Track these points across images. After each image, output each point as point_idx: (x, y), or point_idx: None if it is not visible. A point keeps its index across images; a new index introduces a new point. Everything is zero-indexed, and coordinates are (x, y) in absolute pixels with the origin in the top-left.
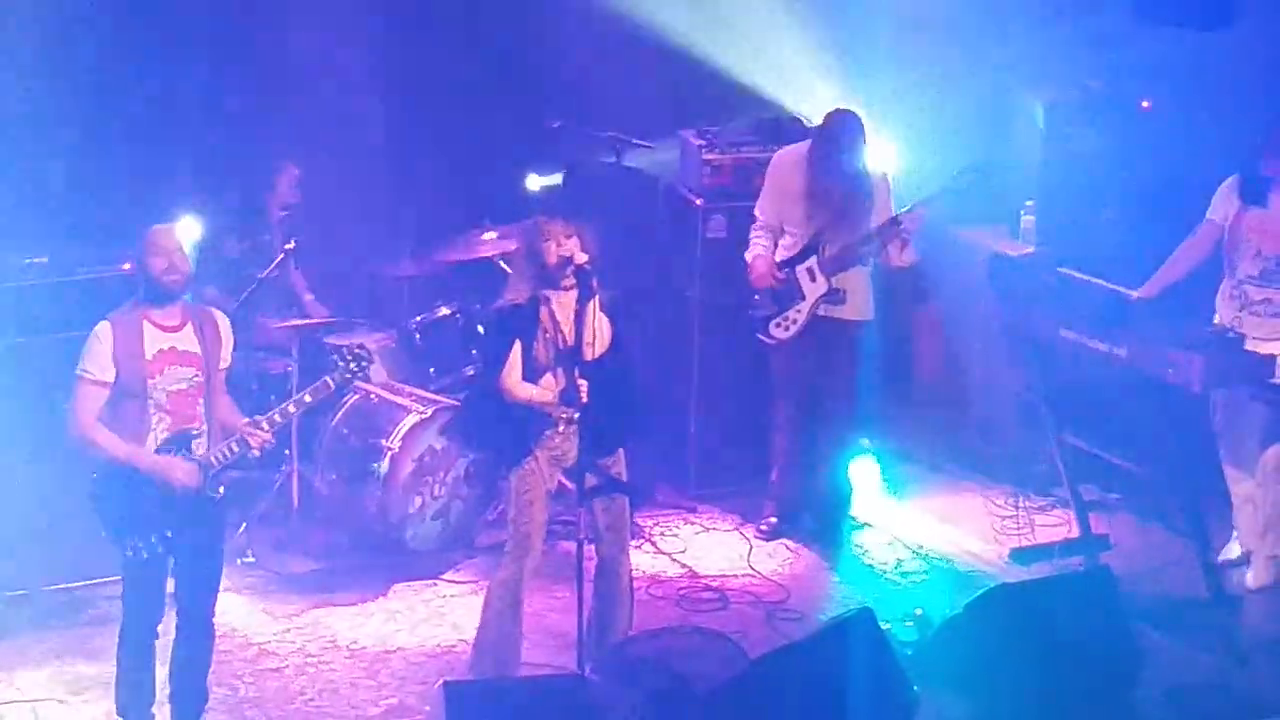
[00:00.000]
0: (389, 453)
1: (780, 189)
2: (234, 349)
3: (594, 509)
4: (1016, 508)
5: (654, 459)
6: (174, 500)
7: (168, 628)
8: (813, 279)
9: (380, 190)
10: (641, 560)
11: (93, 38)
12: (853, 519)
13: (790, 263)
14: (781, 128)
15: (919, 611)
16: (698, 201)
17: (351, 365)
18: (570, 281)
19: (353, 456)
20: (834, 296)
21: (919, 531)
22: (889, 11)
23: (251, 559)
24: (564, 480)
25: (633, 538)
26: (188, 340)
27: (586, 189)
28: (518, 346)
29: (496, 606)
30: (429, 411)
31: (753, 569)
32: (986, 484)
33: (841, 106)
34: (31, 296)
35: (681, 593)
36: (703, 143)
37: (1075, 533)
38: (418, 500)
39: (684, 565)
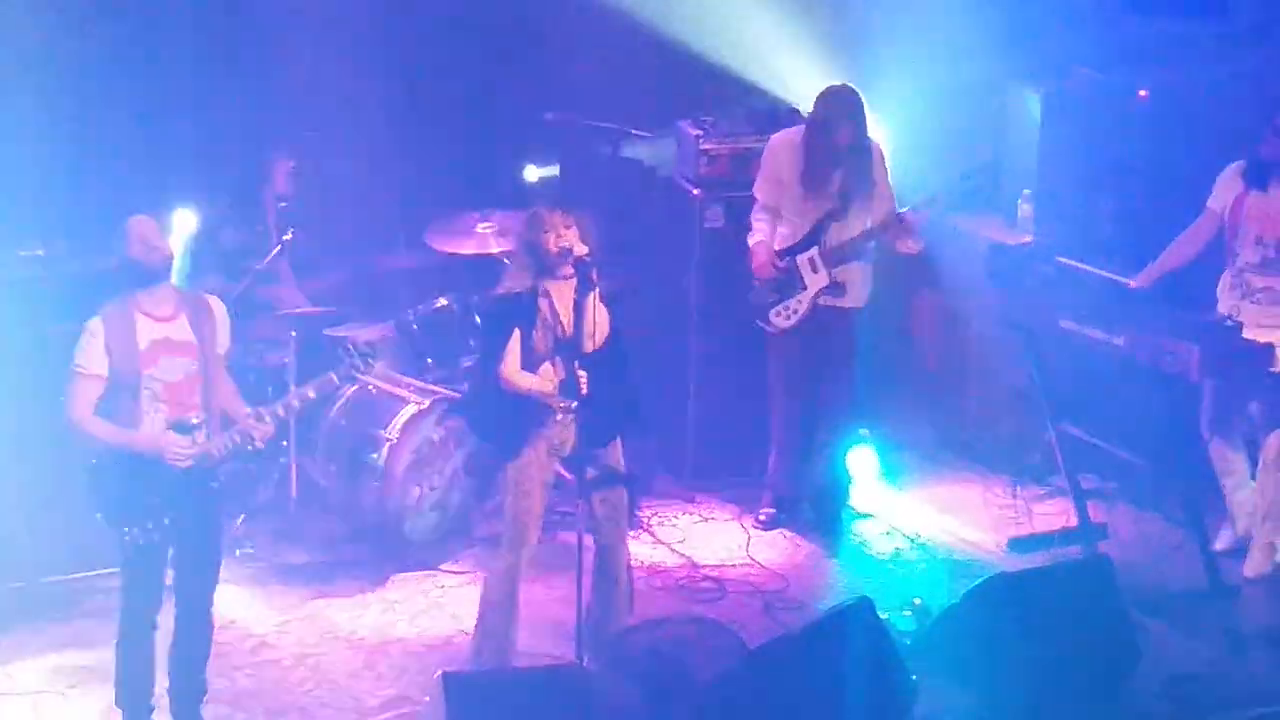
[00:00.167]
0: (387, 443)
1: (775, 175)
2: (232, 336)
3: (592, 499)
4: (1015, 497)
5: (652, 449)
6: (171, 486)
7: (166, 619)
8: (814, 270)
9: (377, 181)
10: (640, 550)
11: (89, 30)
12: (851, 508)
13: (792, 251)
14: (778, 117)
15: (917, 601)
16: (695, 192)
17: (357, 362)
18: (569, 272)
19: (351, 447)
20: (835, 289)
21: (917, 521)
22: (887, 3)
23: (250, 550)
24: (562, 470)
25: (631, 528)
26: (182, 330)
27: (584, 180)
28: (516, 336)
29: (494, 597)
30: (427, 402)
31: (751, 559)
32: (985, 473)
33: (834, 84)
34: (26, 289)
35: (680, 583)
36: (700, 132)
37: (1073, 522)
38: (416, 491)
39: (683, 555)
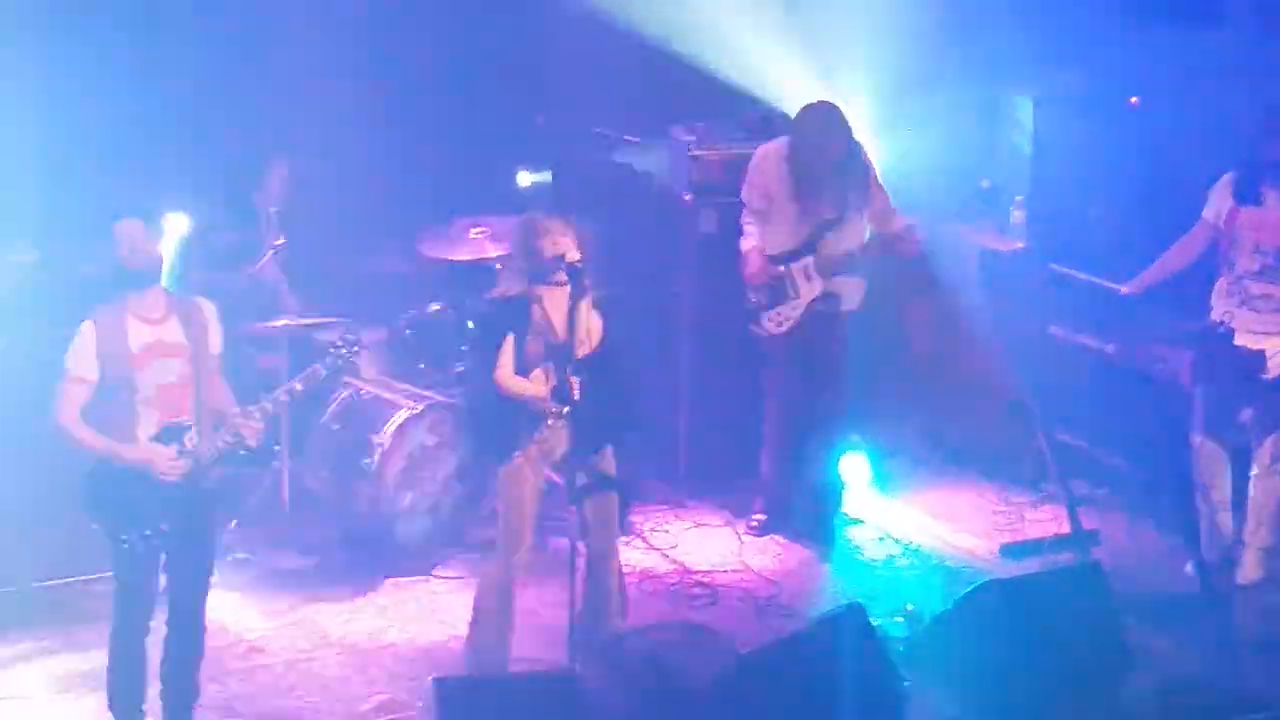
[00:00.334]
0: (380, 449)
1: (764, 188)
2: (223, 337)
3: (583, 505)
4: (1007, 503)
5: (645, 455)
6: (165, 492)
7: (158, 624)
8: (808, 278)
9: (370, 187)
10: (632, 556)
11: (85, 33)
12: (843, 514)
13: (786, 259)
14: (770, 123)
15: (910, 607)
16: (687, 197)
17: (342, 350)
18: (563, 278)
19: (344, 452)
20: (829, 299)
21: (909, 527)
22: (878, 8)
23: (242, 555)
24: (554, 476)
25: (624, 534)
26: (173, 332)
27: (576, 185)
28: (510, 340)
29: (487, 602)
30: (420, 407)
31: (744, 564)
32: (977, 480)
33: (815, 100)
34: (19, 293)
35: (672, 588)
36: (691, 138)
37: (1065, 528)
38: (408, 496)
39: (675, 561)
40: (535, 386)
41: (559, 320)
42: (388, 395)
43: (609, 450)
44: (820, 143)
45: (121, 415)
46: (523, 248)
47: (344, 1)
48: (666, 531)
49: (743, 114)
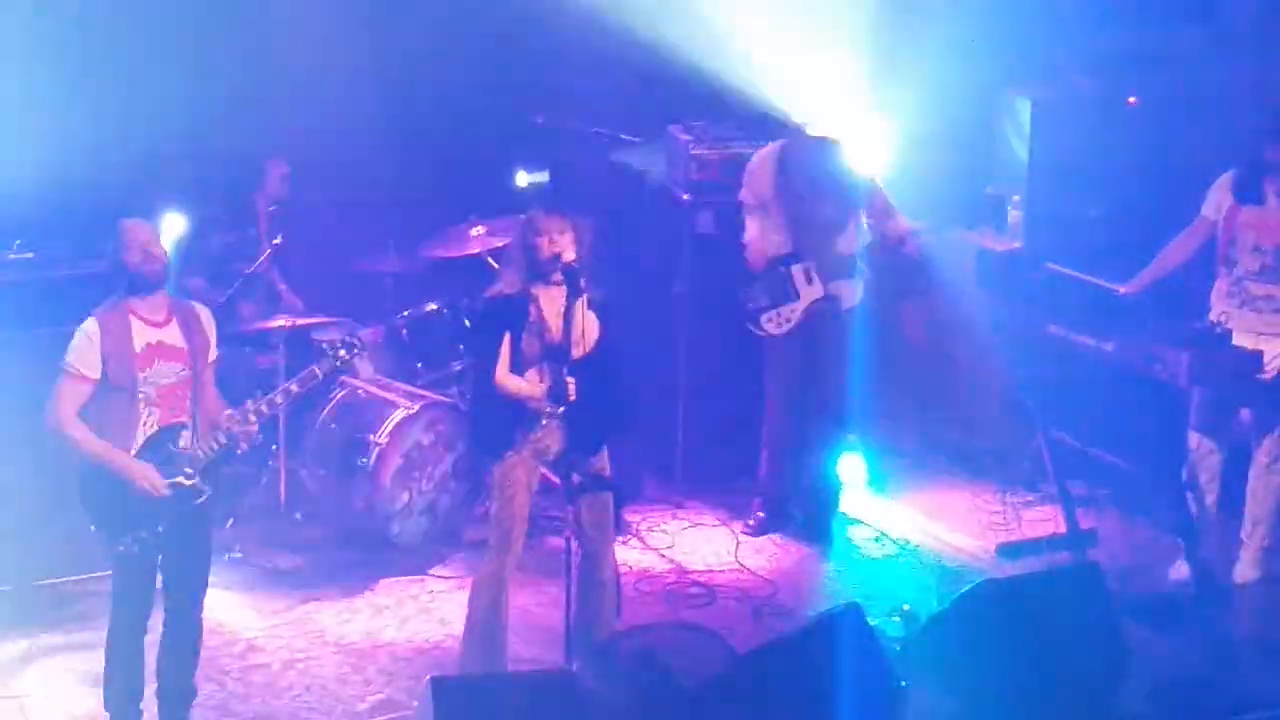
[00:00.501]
0: (376, 448)
1: (760, 195)
2: (219, 343)
3: (579, 505)
4: (1004, 503)
5: (642, 455)
6: (165, 496)
7: (155, 623)
8: (809, 281)
9: (368, 186)
10: (629, 556)
11: (82, 30)
12: (841, 514)
13: (785, 261)
14: (768, 123)
15: (906, 607)
16: (685, 197)
17: (342, 354)
18: (559, 278)
19: (340, 452)
20: (829, 302)
21: (906, 527)
22: (876, 9)
23: (239, 554)
24: (549, 475)
25: (620, 533)
26: (174, 335)
27: (574, 185)
28: (507, 339)
29: (482, 601)
30: (416, 407)
31: (740, 564)
32: (974, 479)
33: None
34: (16, 292)
35: (669, 588)
36: (689, 138)
37: (1062, 528)
38: (405, 495)
39: (671, 561)
40: (531, 386)
41: (555, 320)
42: (384, 395)
43: (604, 450)
44: (810, 183)
45: (122, 414)
46: (522, 245)
47: (343, 1)
48: (663, 531)
49: (741, 114)
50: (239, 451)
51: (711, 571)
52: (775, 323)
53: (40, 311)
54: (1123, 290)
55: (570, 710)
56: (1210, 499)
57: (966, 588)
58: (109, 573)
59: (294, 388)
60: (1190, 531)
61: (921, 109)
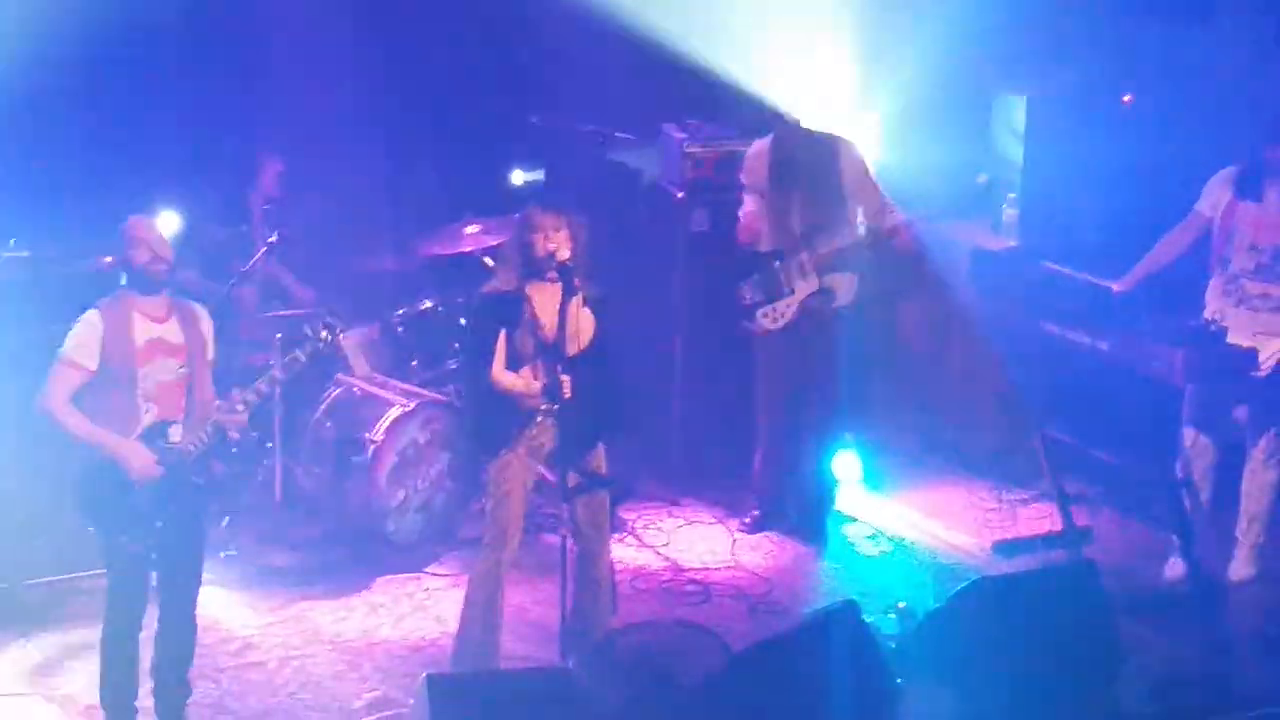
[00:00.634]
0: (372, 445)
1: (756, 187)
2: (216, 342)
3: (574, 503)
4: (999, 501)
5: (637, 453)
6: (158, 491)
7: (151, 621)
8: (803, 275)
9: (363, 184)
10: (625, 553)
11: (77, 28)
12: (836, 512)
13: (779, 255)
14: (763, 120)
15: (902, 604)
16: (680, 195)
17: (323, 334)
18: (555, 276)
19: (336, 449)
20: (824, 296)
21: (902, 524)
22: (871, 6)
23: (234, 552)
24: (544, 473)
25: (616, 531)
26: (174, 332)
27: (569, 183)
28: (502, 336)
29: (477, 599)
30: (412, 404)
31: (736, 562)
32: (969, 477)
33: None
34: (10, 291)
35: (664, 586)
36: (684, 136)
37: (1058, 526)
38: (401, 493)
39: (667, 558)
40: (526, 383)
41: (550, 317)
42: (380, 392)
43: (600, 448)
44: (788, 162)
45: (120, 408)
46: (517, 242)
47: None
48: (659, 529)
49: (736, 112)
50: (230, 440)
51: (707, 569)
52: (770, 318)
53: (34, 311)
54: (1117, 287)
55: (566, 708)
56: (1205, 496)
57: (962, 585)
58: (103, 571)
59: (278, 374)
60: (1185, 529)
61: (915, 106)
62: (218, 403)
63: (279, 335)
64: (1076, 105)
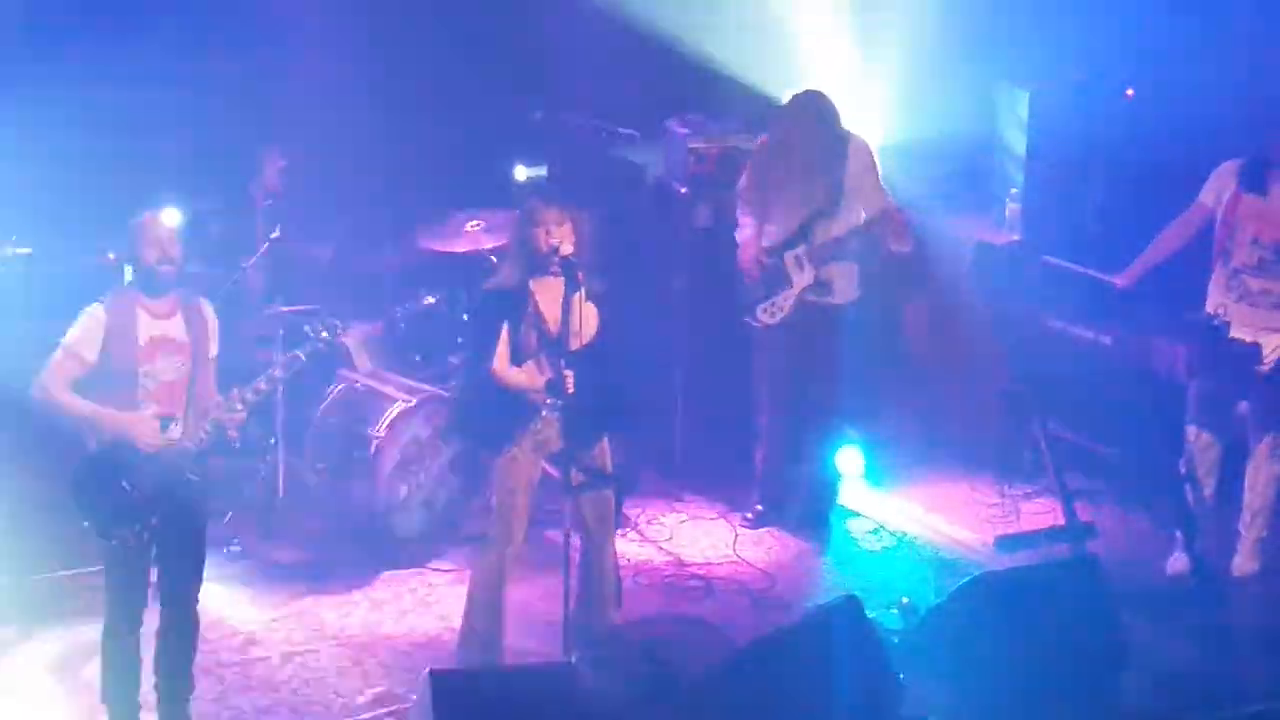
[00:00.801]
0: (375, 441)
1: (757, 178)
2: (220, 338)
3: (579, 498)
4: (1002, 496)
5: (640, 448)
6: (155, 486)
7: (153, 616)
8: (800, 267)
9: (366, 179)
10: (628, 549)
11: (80, 24)
12: (839, 507)
13: (778, 249)
14: (766, 115)
15: (905, 599)
16: (683, 190)
17: (324, 335)
18: (558, 270)
19: (339, 445)
20: (821, 288)
21: (905, 519)
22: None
23: (237, 548)
24: (549, 468)
25: (619, 527)
26: (178, 329)
27: (572, 179)
28: (505, 331)
29: (481, 594)
30: (414, 400)
31: (739, 557)
32: (972, 472)
33: (806, 89)
34: (13, 287)
35: (668, 581)
36: (687, 131)
37: (1061, 521)
38: (404, 489)
39: (670, 553)
40: (530, 378)
41: (554, 312)
42: (383, 388)
43: (605, 443)
44: (803, 128)
45: (121, 405)
46: (520, 237)
47: None
48: (662, 524)
49: (739, 106)
50: (229, 438)
51: (710, 564)
52: (769, 312)
53: (37, 307)
54: (1119, 281)
55: (569, 703)
56: (1208, 491)
57: (965, 580)
58: (103, 570)
59: (277, 373)
60: (1188, 524)
61: (920, 102)
62: (217, 400)
63: (281, 331)
64: (1079, 100)
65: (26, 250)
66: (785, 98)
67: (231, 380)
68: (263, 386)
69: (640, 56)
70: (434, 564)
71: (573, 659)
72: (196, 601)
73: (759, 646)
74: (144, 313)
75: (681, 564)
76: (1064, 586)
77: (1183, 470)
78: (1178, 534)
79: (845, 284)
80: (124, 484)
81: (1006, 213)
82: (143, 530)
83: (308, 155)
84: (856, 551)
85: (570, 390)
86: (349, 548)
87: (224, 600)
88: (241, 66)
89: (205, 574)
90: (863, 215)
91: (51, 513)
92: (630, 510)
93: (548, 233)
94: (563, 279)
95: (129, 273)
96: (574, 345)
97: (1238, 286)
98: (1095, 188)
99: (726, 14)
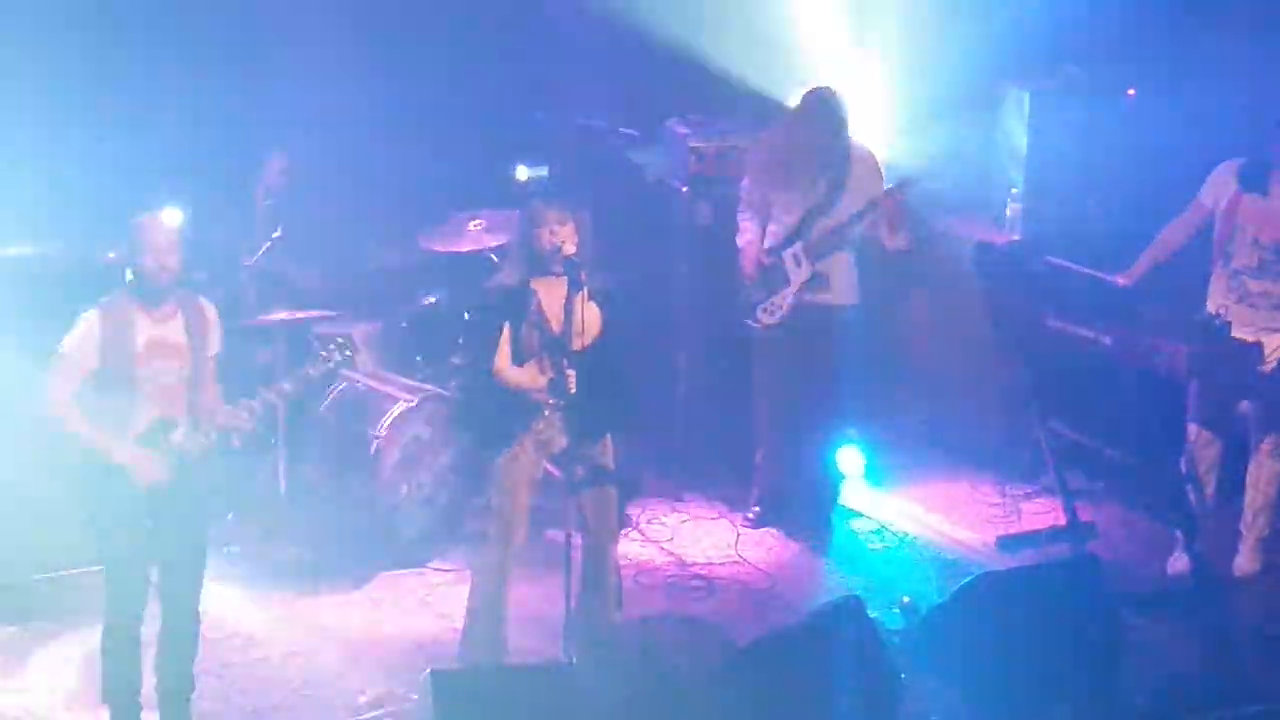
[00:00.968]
0: (376, 441)
1: (758, 176)
2: (221, 337)
3: (581, 498)
4: (1003, 496)
5: (642, 448)
6: (154, 487)
7: (154, 615)
8: (798, 264)
9: (367, 179)
10: (629, 549)
11: (82, 24)
12: (840, 507)
13: (778, 248)
14: (766, 114)
15: (906, 599)
16: (683, 189)
17: (336, 356)
18: (560, 270)
19: (341, 445)
20: (817, 282)
21: (906, 519)
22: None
23: (238, 548)
24: (551, 468)
25: (621, 527)
26: (177, 331)
27: (573, 178)
28: (507, 330)
29: (482, 594)
30: (416, 400)
31: (740, 557)
32: (973, 472)
33: (814, 87)
34: (16, 287)
35: (669, 581)
36: (687, 131)
37: (1062, 521)
38: (405, 488)
39: (671, 553)
40: (532, 378)
41: (556, 312)
42: (384, 388)
43: (607, 443)
44: (810, 125)
45: (123, 408)
46: (523, 236)
47: None
48: (663, 524)
49: (739, 106)
50: (233, 444)
51: (711, 564)
52: (769, 312)
53: (39, 307)
54: (1121, 281)
55: (570, 703)
56: (1209, 491)
57: (966, 580)
58: (103, 569)
59: (286, 387)
60: (1189, 523)
61: (921, 102)
62: (226, 409)
63: (284, 334)
64: (1080, 99)
65: (28, 250)
66: (795, 96)
67: (231, 380)
68: (271, 399)
69: (640, 56)
70: (434, 563)
71: (573, 659)
72: (198, 601)
73: (760, 646)
74: (141, 315)
75: (683, 564)
76: (1065, 586)
77: (1183, 470)
78: (1178, 534)
79: (844, 283)
80: (125, 484)
81: (1007, 213)
82: (140, 532)
83: (310, 156)
84: (858, 551)
85: (572, 390)
86: (350, 547)
87: (225, 599)
88: (243, 67)
89: (206, 574)
90: (858, 204)
91: (52, 513)
92: (631, 510)
93: (550, 232)
94: (565, 279)
95: (130, 273)
96: (576, 345)
97: (1238, 288)
98: (1096, 188)
99: (727, 14)
